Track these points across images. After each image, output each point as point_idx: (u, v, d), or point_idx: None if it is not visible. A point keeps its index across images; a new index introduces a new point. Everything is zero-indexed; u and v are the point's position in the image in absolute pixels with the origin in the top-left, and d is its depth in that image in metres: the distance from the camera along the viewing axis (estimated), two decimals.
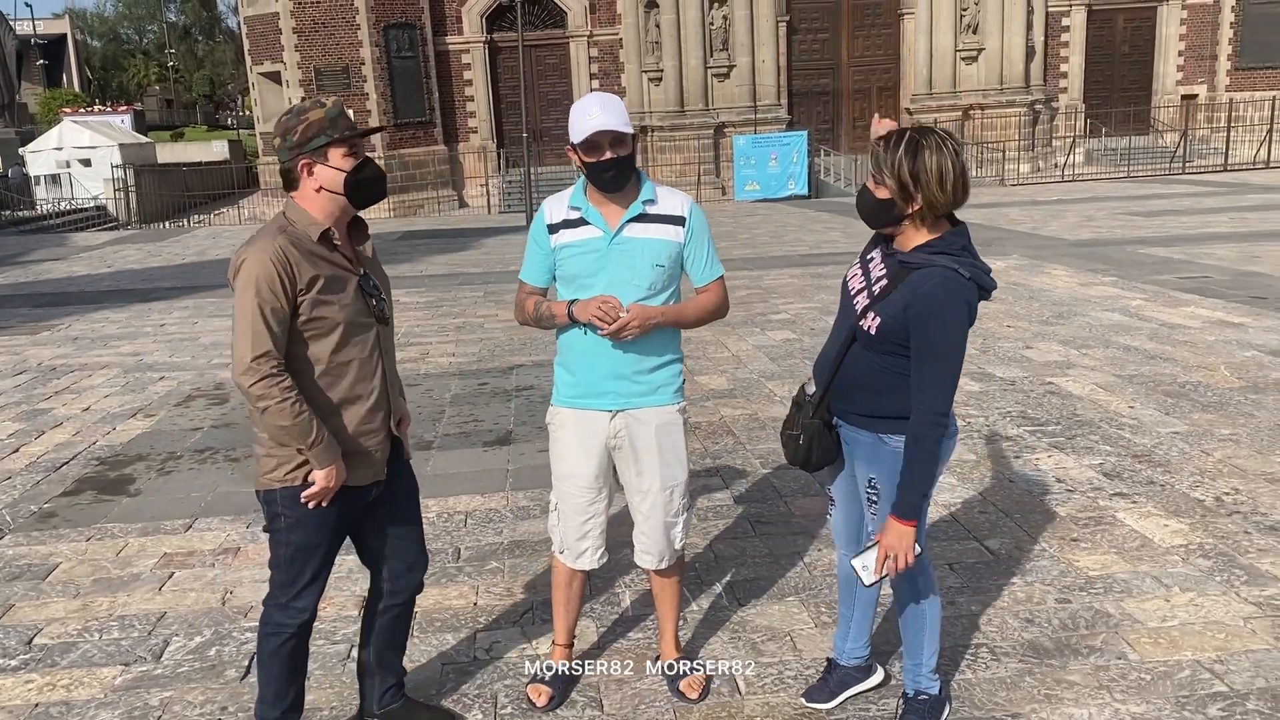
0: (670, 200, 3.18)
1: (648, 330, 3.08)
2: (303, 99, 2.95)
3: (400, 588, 3.17)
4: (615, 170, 3.02)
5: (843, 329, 2.96)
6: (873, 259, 2.94)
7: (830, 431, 3.02)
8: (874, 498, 2.98)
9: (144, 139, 41.28)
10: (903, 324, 2.75)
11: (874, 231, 2.95)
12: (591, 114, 3.00)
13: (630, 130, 3.02)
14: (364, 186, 2.79)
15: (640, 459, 3.25)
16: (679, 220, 3.16)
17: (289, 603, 2.91)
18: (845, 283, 3.01)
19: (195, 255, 18.66)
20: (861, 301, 2.88)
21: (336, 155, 2.74)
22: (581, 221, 3.14)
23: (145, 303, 12.80)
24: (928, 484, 2.81)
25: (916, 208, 2.73)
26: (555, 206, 3.22)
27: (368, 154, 2.82)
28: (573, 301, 3.12)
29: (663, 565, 3.37)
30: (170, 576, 4.58)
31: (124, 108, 53.74)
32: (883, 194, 2.76)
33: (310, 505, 2.80)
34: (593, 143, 2.99)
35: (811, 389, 3.03)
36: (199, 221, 29.52)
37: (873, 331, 2.81)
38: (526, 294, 3.30)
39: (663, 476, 3.26)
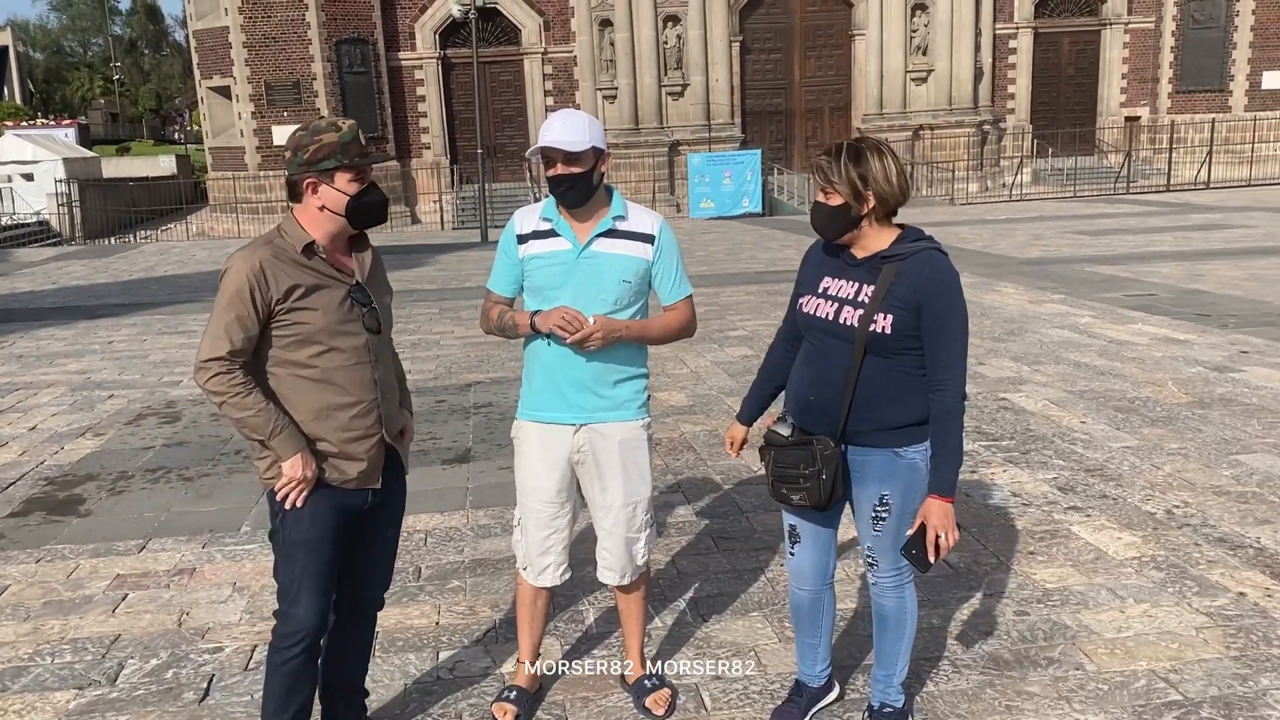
0: (641, 218, 3.22)
1: (611, 342, 3.10)
2: (320, 118, 2.99)
3: (367, 605, 3.17)
4: (567, 186, 3.08)
5: (830, 358, 2.92)
6: (830, 283, 2.96)
7: (845, 462, 2.99)
8: (884, 514, 2.98)
9: (89, 153, 40.55)
10: (915, 313, 2.81)
11: (811, 259, 3.05)
12: (551, 129, 3.07)
13: (582, 149, 3.04)
14: (365, 210, 2.87)
15: (604, 474, 3.25)
16: (648, 238, 3.19)
17: (288, 609, 2.89)
18: (810, 315, 2.98)
19: (143, 271, 18.36)
20: (852, 314, 2.88)
21: (343, 179, 2.81)
22: (551, 233, 3.17)
23: (92, 320, 12.57)
24: (960, 460, 2.90)
25: (870, 206, 2.84)
26: (526, 217, 3.25)
27: (374, 179, 2.89)
28: (535, 312, 3.14)
29: (625, 581, 3.37)
30: (124, 598, 4.49)
31: (68, 121, 52.86)
32: (836, 200, 2.85)
33: (285, 503, 2.83)
34: (547, 157, 3.07)
35: (786, 430, 3.00)
36: (146, 238, 29.03)
37: (888, 331, 2.82)
38: (493, 303, 3.31)
39: (626, 492, 3.27)
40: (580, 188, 3.08)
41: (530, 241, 3.20)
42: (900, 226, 2.94)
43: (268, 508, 2.95)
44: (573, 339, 3.04)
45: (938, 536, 2.85)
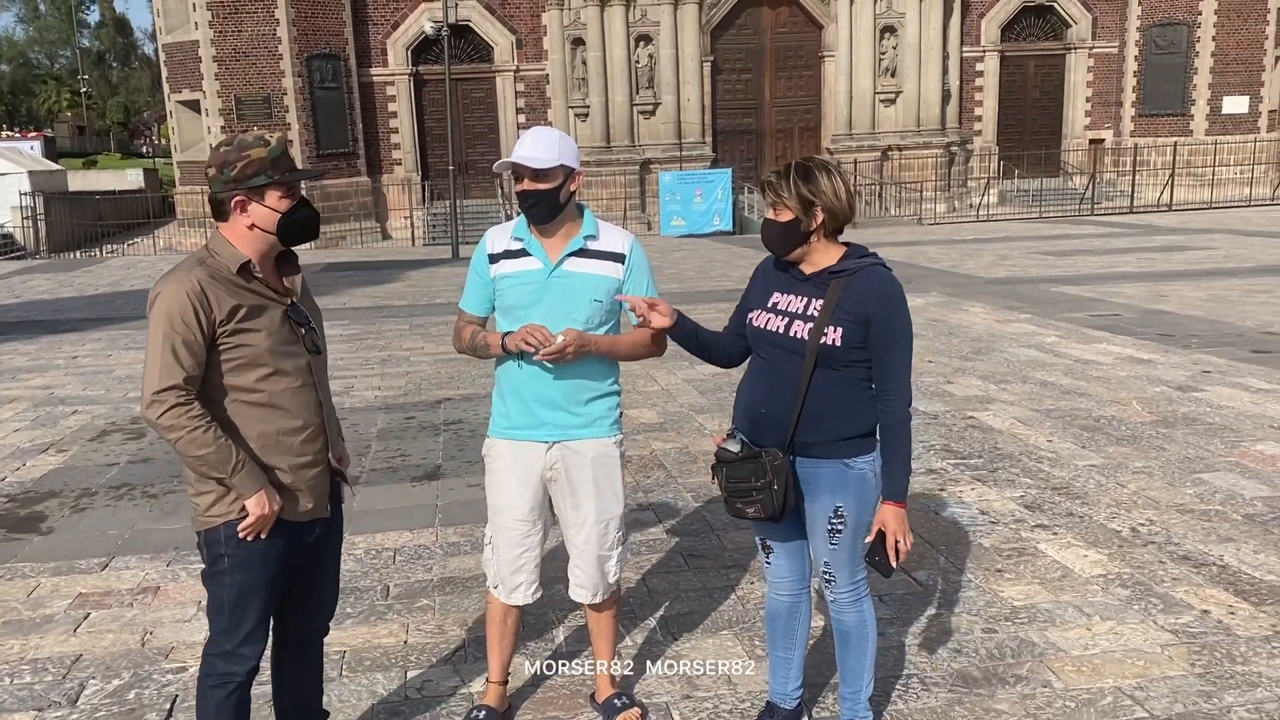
0: (611, 237, 3.24)
1: (581, 356, 3.10)
2: (244, 131, 2.89)
3: (314, 637, 3.10)
4: (533, 202, 3.10)
5: (780, 370, 2.98)
6: (779, 298, 3.03)
7: (795, 473, 3.03)
8: (839, 526, 3.01)
9: (55, 166, 40.14)
10: (864, 325, 2.88)
11: (760, 275, 3.12)
12: (522, 144, 3.11)
13: (549, 166, 3.06)
14: (296, 227, 2.77)
15: (576, 491, 3.25)
16: (619, 257, 3.21)
17: (235, 649, 2.78)
18: (759, 329, 3.04)
19: (109, 286, 18.17)
20: (802, 327, 2.94)
21: (273, 196, 2.71)
22: (523, 253, 3.18)
23: (56, 334, 12.41)
24: (910, 467, 2.99)
25: (819, 222, 2.92)
26: (498, 237, 3.26)
27: (303, 193, 2.80)
28: (506, 333, 3.14)
29: (597, 599, 3.37)
30: (86, 617, 4.42)
31: (34, 134, 52.30)
32: (786, 216, 2.93)
33: (249, 538, 2.71)
34: (516, 171, 3.10)
35: (735, 446, 3.03)
36: (112, 251, 28.72)
37: (837, 343, 2.89)
38: (465, 323, 3.31)
39: (598, 509, 3.27)
40: (546, 204, 3.10)
41: (501, 261, 3.20)
42: (846, 244, 3.02)
43: (202, 548, 2.79)
44: (543, 355, 3.04)
45: (896, 541, 2.94)
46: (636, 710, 3.46)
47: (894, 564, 2.97)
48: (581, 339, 3.08)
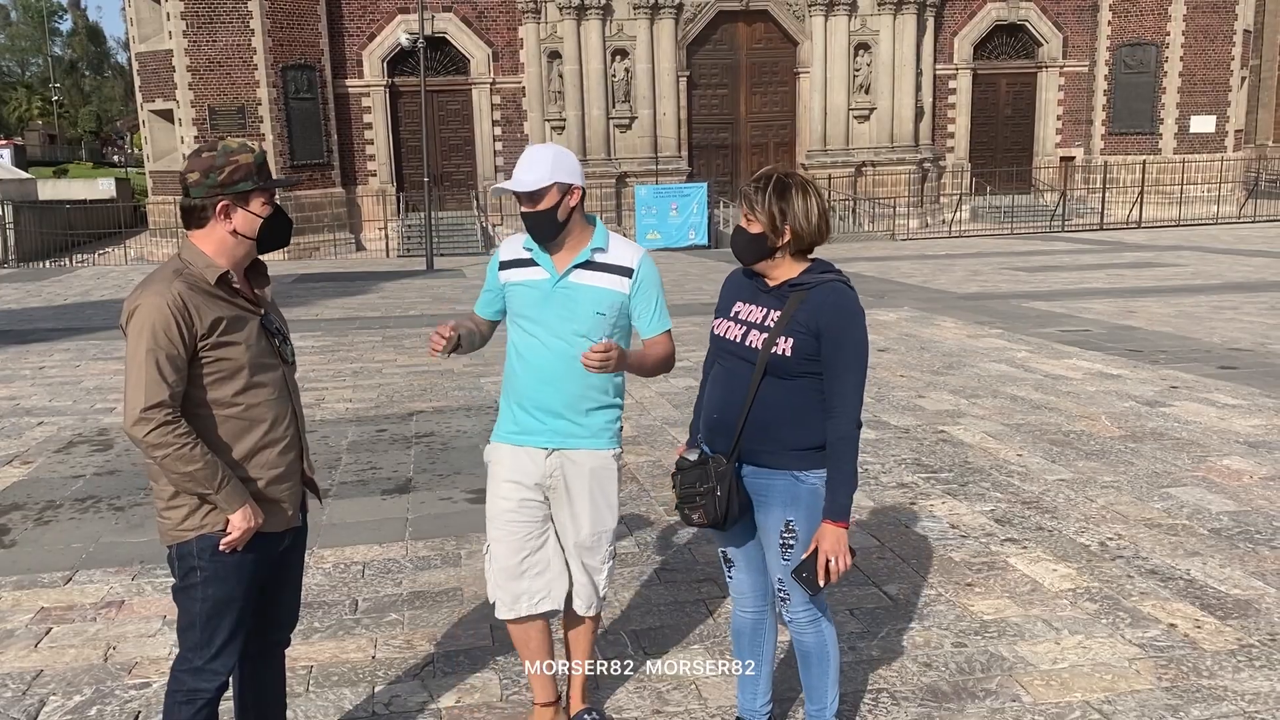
0: (622, 250, 3.24)
1: (608, 369, 3.03)
2: (221, 138, 2.88)
3: (276, 647, 3.07)
4: (531, 223, 3.14)
5: (735, 378, 3.01)
6: (740, 307, 3.06)
7: (740, 480, 3.05)
8: (790, 542, 3.01)
9: (24, 174, 39.73)
10: (815, 337, 2.89)
11: (728, 284, 3.15)
12: (517, 168, 3.13)
13: (538, 188, 3.06)
14: (276, 232, 2.79)
15: (574, 502, 3.25)
16: (627, 271, 3.21)
17: (206, 665, 2.75)
18: (719, 337, 3.10)
19: (78, 296, 17.97)
20: (757, 337, 2.97)
21: (257, 202, 2.72)
22: (531, 262, 3.22)
23: (23, 344, 12.25)
24: (854, 486, 2.95)
25: (785, 240, 2.94)
26: (510, 246, 3.32)
27: (278, 203, 2.81)
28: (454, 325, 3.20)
29: (591, 612, 3.37)
30: (48, 632, 4.35)
31: (3, 142, 51.78)
32: (755, 229, 2.95)
33: (228, 551, 2.69)
34: (516, 193, 3.12)
35: (693, 455, 3.05)
36: (82, 261, 28.44)
37: (788, 354, 2.91)
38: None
39: (593, 522, 3.27)
40: (544, 224, 3.11)
41: (511, 269, 3.26)
42: (812, 260, 3.04)
43: (173, 562, 2.75)
44: (593, 362, 2.97)
45: (828, 561, 2.91)
46: None
47: (821, 584, 2.92)
48: (620, 355, 3.04)
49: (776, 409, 2.96)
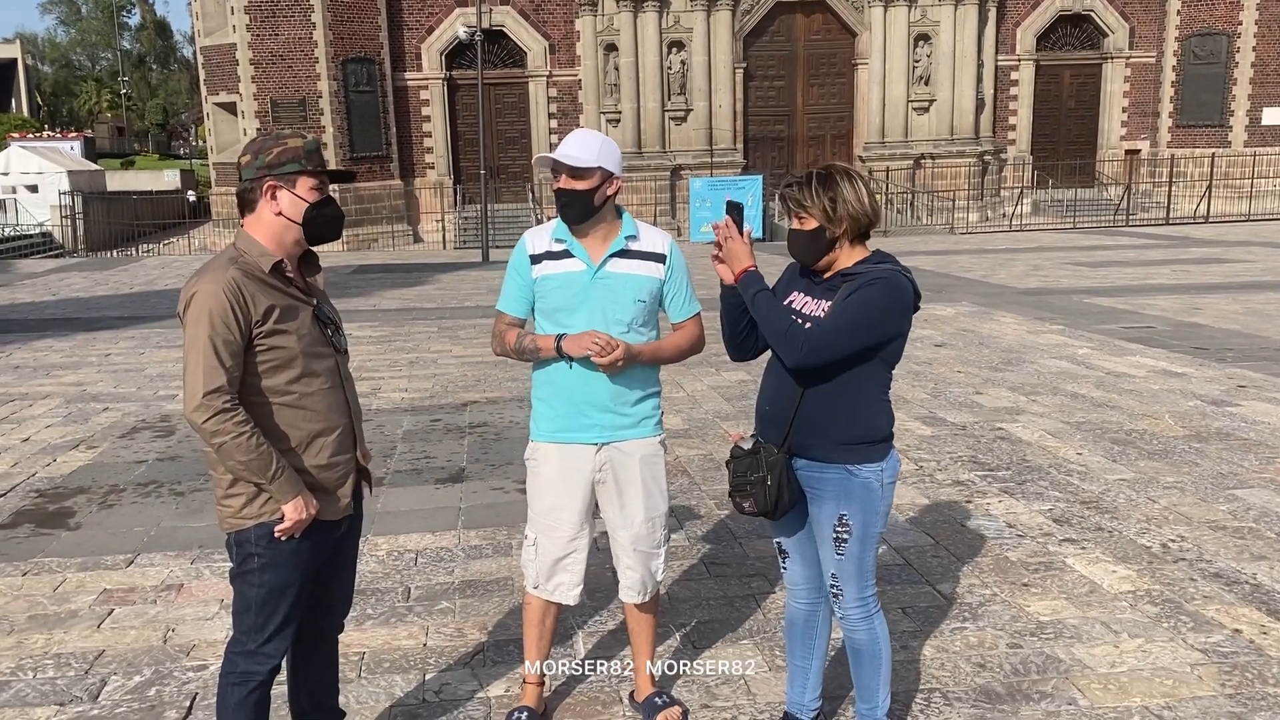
0: (652, 237, 3.27)
1: (630, 365, 3.13)
2: (281, 128, 2.92)
3: (330, 632, 3.11)
4: (565, 201, 3.14)
5: (786, 370, 2.98)
6: (796, 298, 3.04)
7: (792, 471, 3.03)
8: (844, 536, 2.99)
9: (94, 166, 40.67)
10: None
11: (788, 272, 3.12)
12: (565, 143, 3.13)
13: (586, 166, 3.08)
14: (321, 222, 2.77)
15: (624, 491, 3.28)
16: (660, 257, 3.24)
17: (259, 648, 2.80)
18: None
19: (143, 285, 18.37)
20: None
21: (304, 185, 2.73)
22: (565, 254, 3.20)
23: (90, 332, 12.55)
24: (766, 319, 2.96)
25: (843, 229, 2.92)
26: (537, 238, 3.28)
27: (331, 194, 2.81)
28: (561, 336, 3.14)
29: (646, 598, 3.40)
30: (110, 613, 4.45)
31: (74, 134, 53.00)
32: (810, 225, 2.94)
33: (283, 539, 2.73)
34: (555, 169, 3.13)
35: (747, 443, 3.06)
36: (148, 251, 29.06)
37: None
38: (506, 325, 3.31)
39: (646, 508, 3.30)
40: (579, 205, 3.12)
41: (544, 262, 3.22)
42: (872, 250, 3.01)
43: (231, 548, 2.80)
44: (607, 360, 3.06)
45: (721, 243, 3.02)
46: (678, 709, 3.46)
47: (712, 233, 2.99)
48: (630, 350, 3.11)
49: (827, 403, 2.94)
